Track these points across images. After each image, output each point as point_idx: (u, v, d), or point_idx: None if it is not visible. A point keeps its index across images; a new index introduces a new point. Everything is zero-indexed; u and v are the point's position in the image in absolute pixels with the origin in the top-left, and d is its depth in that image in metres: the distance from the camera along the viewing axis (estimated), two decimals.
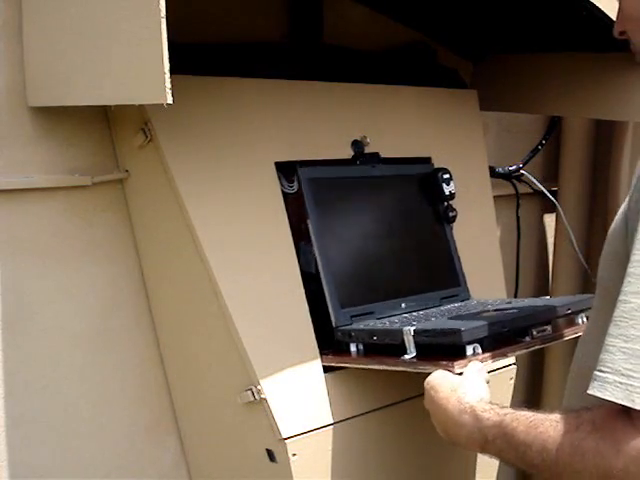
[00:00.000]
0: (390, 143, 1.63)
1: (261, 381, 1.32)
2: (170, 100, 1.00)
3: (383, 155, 1.60)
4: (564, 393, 1.14)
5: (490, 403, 1.07)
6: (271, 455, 1.35)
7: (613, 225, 1.06)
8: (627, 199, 1.01)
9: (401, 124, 1.68)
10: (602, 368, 0.88)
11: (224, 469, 1.51)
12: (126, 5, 1.07)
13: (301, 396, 1.37)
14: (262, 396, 1.32)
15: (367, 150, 1.59)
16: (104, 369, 1.45)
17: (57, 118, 1.35)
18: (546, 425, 0.94)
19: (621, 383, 0.86)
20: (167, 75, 1.00)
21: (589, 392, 0.89)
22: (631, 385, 0.85)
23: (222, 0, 1.55)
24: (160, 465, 1.53)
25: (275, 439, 1.33)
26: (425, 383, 1.16)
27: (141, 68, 1.06)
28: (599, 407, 0.89)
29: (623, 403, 0.85)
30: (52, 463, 1.40)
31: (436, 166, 1.67)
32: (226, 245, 1.35)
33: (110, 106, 1.36)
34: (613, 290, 0.95)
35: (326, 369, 1.41)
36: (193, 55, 1.36)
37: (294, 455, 1.33)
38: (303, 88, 1.53)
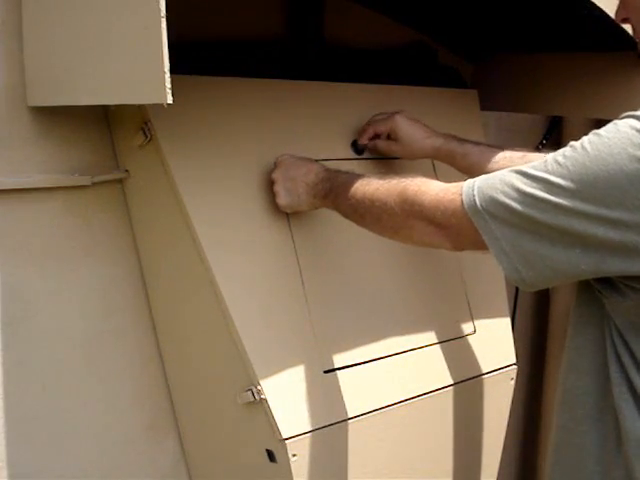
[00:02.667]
0: None
1: (261, 381, 1.32)
2: (170, 100, 1.00)
3: (383, 155, 1.60)
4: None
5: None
6: (271, 455, 1.35)
7: None
8: None
9: None
10: (479, 182, 1.07)
11: (224, 469, 1.51)
12: (126, 5, 1.07)
13: (301, 396, 1.37)
14: (262, 396, 1.32)
15: (367, 150, 1.59)
16: (104, 369, 1.45)
17: (57, 118, 1.35)
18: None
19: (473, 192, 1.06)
20: (167, 75, 1.00)
21: (463, 188, 1.08)
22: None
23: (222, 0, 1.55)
24: (160, 465, 1.53)
25: (275, 439, 1.33)
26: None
27: (141, 68, 1.06)
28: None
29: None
30: (52, 463, 1.40)
31: (436, 166, 1.67)
32: (226, 245, 1.35)
33: (110, 106, 1.36)
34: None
35: (326, 369, 1.41)
36: (193, 54, 1.36)
37: (294, 455, 1.33)
38: (303, 88, 1.53)
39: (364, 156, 1.59)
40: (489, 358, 1.68)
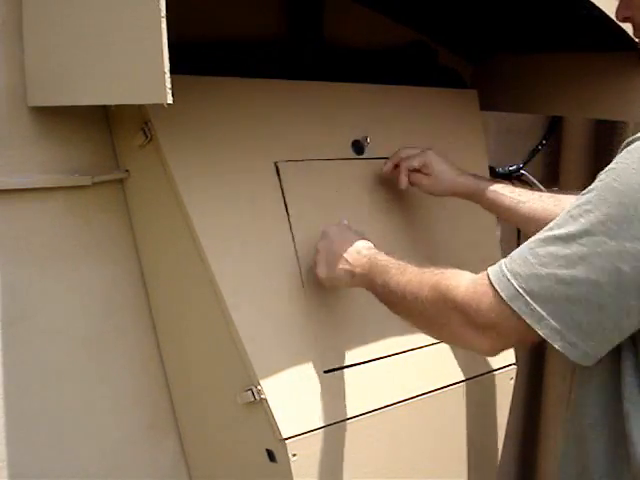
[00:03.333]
0: (390, 143, 1.63)
1: (261, 381, 1.32)
2: (170, 100, 1.00)
3: (383, 155, 1.60)
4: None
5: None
6: (271, 455, 1.35)
7: None
8: None
9: (401, 124, 1.68)
10: (506, 262, 1.00)
11: (224, 469, 1.51)
12: (126, 5, 1.07)
13: (301, 396, 1.37)
14: (262, 396, 1.32)
15: (367, 150, 1.59)
16: (104, 369, 1.45)
17: (57, 118, 1.34)
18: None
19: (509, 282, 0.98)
20: (167, 75, 1.00)
21: (488, 270, 1.02)
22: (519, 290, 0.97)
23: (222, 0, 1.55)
24: (160, 465, 1.53)
25: (275, 439, 1.33)
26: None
27: (141, 68, 1.06)
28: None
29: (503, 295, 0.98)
30: (52, 463, 1.40)
31: None
32: (226, 244, 1.35)
33: (110, 106, 1.36)
34: None
35: (326, 369, 1.41)
36: (193, 54, 1.36)
37: (294, 455, 1.33)
38: (303, 88, 1.53)
39: (364, 156, 1.59)
40: (488, 358, 1.68)
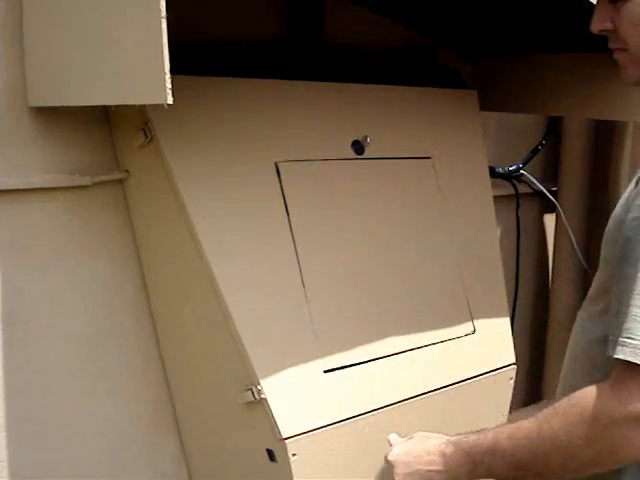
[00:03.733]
0: (390, 143, 1.63)
1: (261, 381, 1.32)
2: (170, 100, 1.00)
3: (383, 155, 1.60)
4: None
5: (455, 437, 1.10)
6: (271, 455, 1.35)
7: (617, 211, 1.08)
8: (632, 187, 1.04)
9: (401, 124, 1.68)
10: (631, 336, 0.90)
11: (224, 469, 1.51)
12: (126, 5, 1.07)
13: (301, 396, 1.37)
14: (262, 396, 1.32)
15: (367, 150, 1.59)
16: (104, 369, 1.45)
17: (57, 118, 1.34)
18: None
19: None
20: (167, 75, 1.00)
21: (616, 356, 0.90)
22: None
23: (222, 0, 1.55)
24: (160, 465, 1.53)
25: (275, 439, 1.33)
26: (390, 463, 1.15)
27: (141, 68, 1.06)
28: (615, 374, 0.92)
29: None
30: (52, 463, 1.40)
31: (436, 166, 1.67)
32: (226, 245, 1.35)
33: (110, 106, 1.36)
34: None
35: (326, 369, 1.41)
36: (193, 54, 1.36)
37: (294, 455, 1.33)
38: (303, 88, 1.53)
39: (364, 156, 1.59)
40: (488, 358, 1.69)
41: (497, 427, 1.05)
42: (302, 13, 1.67)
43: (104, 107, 1.39)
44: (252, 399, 1.33)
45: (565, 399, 0.97)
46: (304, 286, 1.42)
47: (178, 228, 1.35)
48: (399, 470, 1.13)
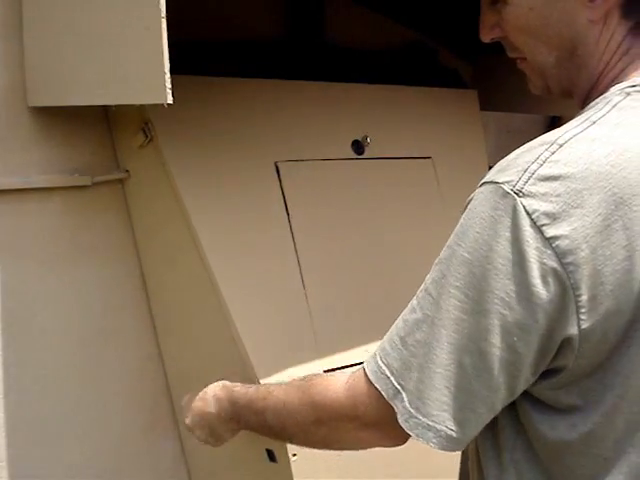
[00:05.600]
0: (390, 143, 1.63)
1: (261, 381, 1.31)
2: (170, 100, 1.00)
3: (383, 155, 1.60)
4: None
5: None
6: (271, 455, 1.35)
7: None
8: None
9: (401, 124, 1.68)
10: (381, 356, 0.91)
11: (224, 469, 1.51)
12: (126, 5, 1.07)
13: None
14: None
15: (367, 150, 1.59)
16: (104, 369, 1.45)
17: (57, 118, 1.34)
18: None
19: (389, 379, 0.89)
20: (167, 75, 1.00)
21: (364, 364, 0.93)
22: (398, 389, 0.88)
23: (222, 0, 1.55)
24: (160, 465, 1.53)
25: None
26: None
27: (141, 68, 1.06)
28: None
29: (386, 397, 0.89)
30: (52, 463, 1.39)
31: (436, 166, 1.67)
32: (226, 245, 1.35)
33: (110, 106, 1.35)
34: None
35: (326, 369, 1.41)
36: (193, 54, 1.36)
37: (294, 455, 1.33)
38: (303, 88, 1.53)
39: (364, 156, 1.59)
40: None
41: (264, 385, 1.14)
42: (303, 13, 1.67)
43: (104, 107, 1.39)
44: None
45: (316, 379, 1.01)
46: (304, 286, 1.42)
47: (178, 228, 1.35)
48: (189, 416, 1.26)
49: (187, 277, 1.40)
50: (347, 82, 1.60)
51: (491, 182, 0.83)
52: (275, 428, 1.06)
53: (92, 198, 1.41)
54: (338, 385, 0.96)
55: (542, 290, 0.80)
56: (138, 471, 1.50)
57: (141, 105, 1.25)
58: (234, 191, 1.38)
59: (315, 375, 1.04)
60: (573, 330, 0.81)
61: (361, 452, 1.36)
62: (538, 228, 0.79)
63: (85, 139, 1.40)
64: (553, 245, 0.79)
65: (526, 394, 0.89)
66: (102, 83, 1.16)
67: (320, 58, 1.66)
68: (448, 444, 0.87)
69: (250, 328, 1.33)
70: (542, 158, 0.81)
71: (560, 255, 0.79)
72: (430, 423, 0.86)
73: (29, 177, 1.33)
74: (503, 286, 0.81)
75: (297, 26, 1.67)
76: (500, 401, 0.86)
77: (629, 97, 0.86)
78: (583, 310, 0.81)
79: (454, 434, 0.86)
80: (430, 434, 0.86)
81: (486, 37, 0.98)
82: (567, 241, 0.79)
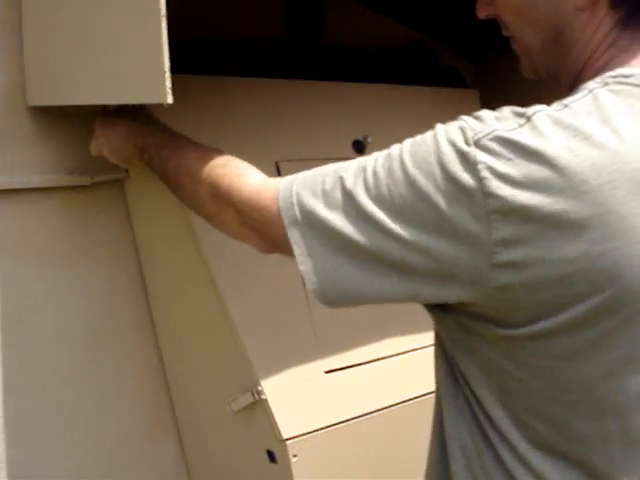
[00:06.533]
0: (390, 143, 1.62)
1: (262, 381, 1.31)
2: (170, 100, 1.00)
3: None
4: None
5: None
6: (271, 456, 1.35)
7: None
8: None
9: (402, 124, 1.68)
10: (296, 188, 0.93)
11: (224, 470, 1.50)
12: (126, 5, 1.07)
13: (302, 397, 1.37)
14: (262, 396, 1.31)
15: (368, 149, 1.59)
16: (104, 370, 1.44)
17: (57, 118, 1.34)
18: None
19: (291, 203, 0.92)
20: (167, 75, 0.99)
21: (280, 184, 0.95)
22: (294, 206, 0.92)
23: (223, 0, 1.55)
24: (160, 466, 1.53)
25: (276, 440, 1.33)
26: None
27: (141, 68, 1.06)
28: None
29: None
30: (52, 463, 1.39)
31: None
32: (226, 245, 1.35)
33: (110, 106, 1.35)
34: None
35: (327, 370, 1.40)
36: (193, 54, 1.36)
37: (295, 456, 1.33)
38: (304, 88, 1.52)
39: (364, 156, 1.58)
40: None
41: (182, 137, 1.16)
42: (303, 13, 1.67)
43: (104, 107, 1.38)
44: (252, 400, 1.32)
45: (234, 163, 1.06)
46: (305, 286, 1.41)
47: (178, 228, 1.35)
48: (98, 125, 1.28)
49: (187, 277, 1.40)
50: (348, 82, 1.60)
51: (461, 119, 0.88)
52: (170, 178, 1.13)
53: (92, 198, 1.41)
54: (252, 181, 1.00)
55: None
56: (138, 471, 1.50)
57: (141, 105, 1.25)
58: None
59: (233, 160, 1.07)
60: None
61: (361, 452, 1.37)
62: (480, 179, 0.79)
63: (85, 139, 1.39)
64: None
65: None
66: (102, 83, 1.15)
67: (320, 58, 1.65)
68: (318, 293, 0.92)
69: (250, 328, 1.33)
70: (509, 126, 0.81)
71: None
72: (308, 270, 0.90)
73: (29, 177, 1.33)
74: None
75: (297, 26, 1.67)
76: (385, 292, 0.87)
77: (607, 86, 0.85)
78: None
79: (329, 291, 0.90)
80: (311, 277, 0.91)
81: (481, 13, 0.99)
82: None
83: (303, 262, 0.90)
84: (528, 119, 0.81)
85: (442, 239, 0.81)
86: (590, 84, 0.86)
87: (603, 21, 0.89)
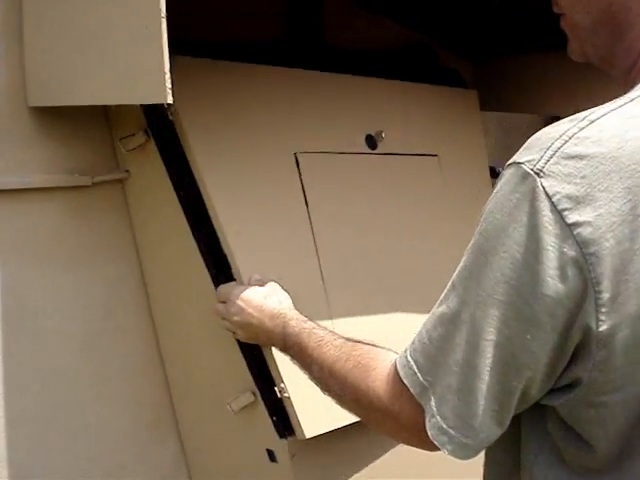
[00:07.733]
0: (400, 139, 1.64)
1: (285, 380, 1.31)
2: (170, 100, 1.00)
3: (393, 151, 1.60)
4: None
5: (297, 312, 1.17)
6: (271, 455, 1.35)
7: None
8: None
9: (410, 120, 1.69)
10: (411, 354, 0.85)
11: (224, 469, 1.50)
12: (126, 5, 1.07)
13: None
14: (285, 395, 1.30)
15: (380, 145, 1.59)
16: (104, 369, 1.44)
17: (57, 118, 1.34)
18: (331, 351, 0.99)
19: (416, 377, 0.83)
20: (167, 75, 1.00)
21: (397, 360, 0.87)
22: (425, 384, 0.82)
23: (223, 0, 1.55)
24: (160, 465, 1.53)
25: (276, 439, 1.33)
26: (232, 297, 1.24)
27: (141, 68, 1.06)
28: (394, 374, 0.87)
29: (413, 393, 0.83)
30: (52, 463, 1.39)
31: (442, 164, 1.68)
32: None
33: (110, 106, 1.35)
34: None
35: None
36: (193, 54, 1.36)
37: (294, 455, 1.33)
38: (316, 79, 1.53)
39: (377, 151, 1.59)
40: None
41: (326, 334, 1.04)
42: (303, 14, 1.67)
43: (104, 107, 1.39)
44: (253, 400, 1.32)
45: (364, 358, 0.94)
46: (323, 281, 1.41)
47: (178, 228, 1.35)
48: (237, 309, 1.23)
49: (187, 277, 1.40)
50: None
51: (513, 163, 0.77)
52: (319, 383, 1.02)
53: (92, 198, 1.41)
54: (380, 375, 0.89)
55: (559, 283, 0.71)
56: (138, 471, 1.50)
57: (141, 105, 1.25)
58: (255, 182, 1.38)
59: (364, 348, 0.96)
60: (590, 332, 0.73)
61: (360, 453, 1.36)
62: (559, 213, 0.71)
63: (85, 139, 1.40)
64: (574, 232, 0.70)
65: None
66: (102, 83, 1.16)
67: (320, 59, 1.66)
68: (461, 451, 0.82)
69: None
70: (568, 134, 0.73)
71: (582, 244, 0.70)
72: (444, 426, 0.80)
73: (29, 177, 1.33)
74: (519, 277, 0.73)
75: (297, 27, 1.67)
76: (514, 406, 0.80)
77: None
78: (603, 310, 0.72)
79: (469, 441, 0.80)
80: (444, 438, 0.80)
81: (556, 9, 0.91)
82: (590, 229, 0.70)
83: (441, 430, 0.81)
84: (592, 122, 0.73)
85: None
86: None
87: None
